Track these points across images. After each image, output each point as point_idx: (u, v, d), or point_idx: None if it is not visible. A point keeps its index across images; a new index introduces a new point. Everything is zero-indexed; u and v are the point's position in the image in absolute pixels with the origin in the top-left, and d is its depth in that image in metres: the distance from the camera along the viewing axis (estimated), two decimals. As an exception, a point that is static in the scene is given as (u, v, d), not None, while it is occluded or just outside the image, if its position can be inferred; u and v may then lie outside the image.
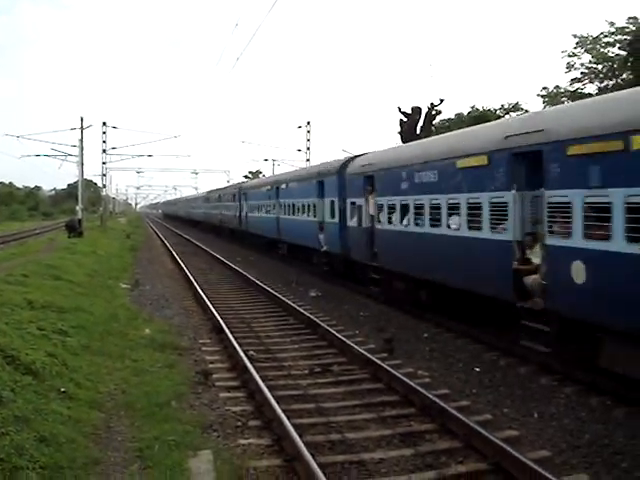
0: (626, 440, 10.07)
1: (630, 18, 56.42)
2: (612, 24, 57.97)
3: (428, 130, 54.76)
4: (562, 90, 62.33)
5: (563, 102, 56.14)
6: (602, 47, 59.55)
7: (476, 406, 11.78)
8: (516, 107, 63.55)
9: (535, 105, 66.96)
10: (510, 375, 13.74)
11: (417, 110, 56.12)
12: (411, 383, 12.16)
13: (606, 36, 58.75)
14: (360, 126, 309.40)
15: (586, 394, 12.20)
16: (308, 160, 62.74)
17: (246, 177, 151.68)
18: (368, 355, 14.30)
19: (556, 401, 12.04)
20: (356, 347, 15.07)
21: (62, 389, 11.07)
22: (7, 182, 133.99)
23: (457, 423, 10.22)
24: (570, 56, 61.31)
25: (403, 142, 50.25)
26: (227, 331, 16.75)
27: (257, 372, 12.90)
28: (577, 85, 61.21)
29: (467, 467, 9.07)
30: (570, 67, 61.48)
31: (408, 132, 54.06)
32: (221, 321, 18.07)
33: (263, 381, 12.29)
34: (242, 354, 14.27)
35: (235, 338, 15.93)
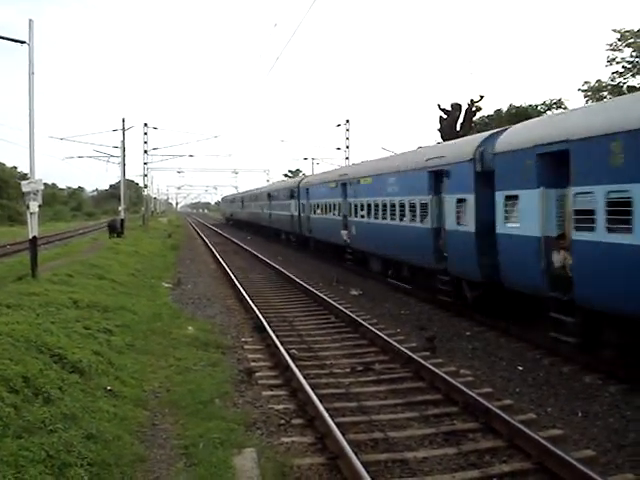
0: (673, 440, 9.94)
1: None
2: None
3: (468, 127, 54.33)
4: (604, 84, 61.36)
5: (605, 96, 55.44)
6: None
7: (519, 405, 11.70)
8: (559, 103, 62.58)
9: (577, 100, 66.10)
10: (554, 373, 13.63)
11: (457, 107, 55.73)
12: (454, 382, 12.12)
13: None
14: (399, 123, 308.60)
15: (631, 393, 12.06)
16: (347, 158, 62.73)
17: (285, 176, 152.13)
18: (410, 353, 14.27)
19: (600, 400, 11.92)
20: (398, 345, 15.05)
21: (108, 387, 11.24)
22: (51, 183, 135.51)
23: (500, 422, 10.17)
24: (612, 50, 60.39)
25: (443, 139, 49.97)
26: (269, 329, 16.84)
27: (299, 370, 12.96)
28: (619, 79, 60.20)
29: (511, 466, 9.02)
30: (611, 61, 60.55)
31: (448, 129, 53.74)
32: (263, 320, 18.16)
33: (305, 379, 12.34)
34: (284, 352, 14.34)
35: (277, 336, 16.01)
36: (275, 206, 55.61)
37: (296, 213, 45.76)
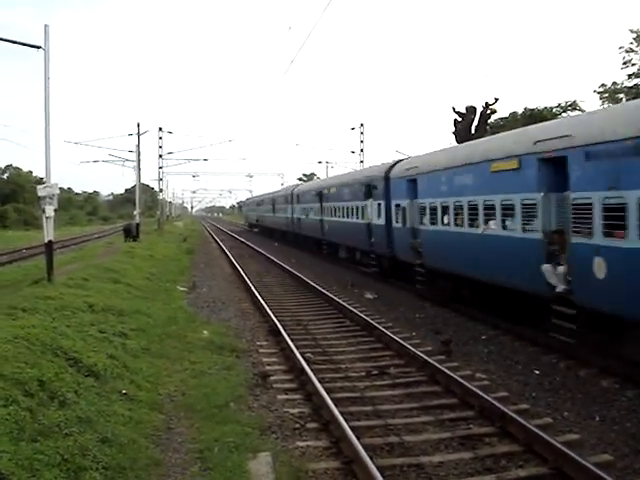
0: (692, 445, 9.85)
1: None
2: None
3: (483, 130, 54.17)
4: (619, 87, 61.07)
5: (621, 99, 55.18)
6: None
7: (536, 409, 11.63)
8: (574, 105, 62.31)
9: (593, 103, 65.80)
10: (570, 378, 13.55)
11: (472, 110, 55.60)
12: (469, 386, 12.07)
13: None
14: (414, 127, 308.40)
15: (649, 397, 11.97)
16: (362, 162, 62.71)
17: (300, 180, 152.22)
18: (425, 357, 14.23)
19: (618, 404, 11.84)
20: (413, 349, 15.00)
21: (123, 391, 11.27)
22: (66, 188, 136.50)
23: (517, 426, 10.11)
24: (627, 52, 60.11)
25: (458, 142, 49.84)
26: (284, 333, 16.83)
27: (314, 374, 12.94)
28: (635, 81, 59.91)
29: (527, 471, 8.97)
30: (627, 63, 60.27)
31: (463, 132, 53.59)
32: (278, 323, 18.16)
33: (320, 383, 12.33)
34: (299, 356, 14.33)
35: (292, 340, 16.00)
36: (331, 210, 39.42)
37: (380, 222, 29.16)
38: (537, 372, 14.02)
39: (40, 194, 21.74)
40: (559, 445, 9.13)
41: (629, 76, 60.51)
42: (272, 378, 13.46)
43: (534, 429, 9.76)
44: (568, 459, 8.76)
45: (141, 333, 15.78)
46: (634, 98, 43.23)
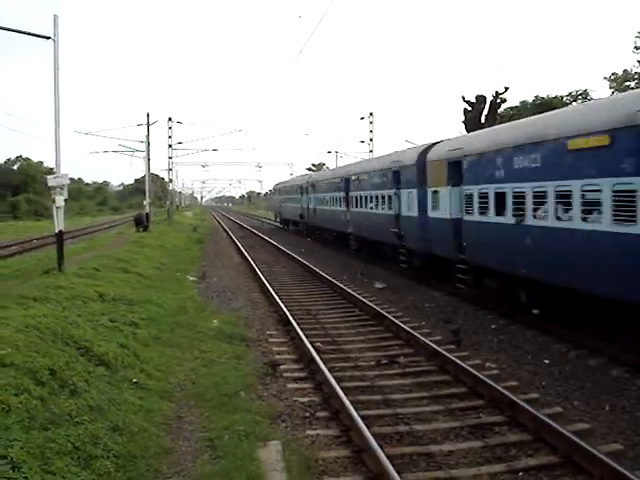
0: (702, 434, 9.83)
1: None
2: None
3: (493, 119, 53.93)
4: (631, 74, 60.68)
5: (631, 86, 54.79)
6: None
7: (546, 398, 11.62)
8: (584, 94, 61.96)
9: (603, 91, 65.44)
10: (580, 367, 13.51)
11: (482, 99, 55.35)
12: (479, 375, 12.06)
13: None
14: (423, 116, 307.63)
15: (660, 386, 11.94)
16: (371, 151, 62.56)
17: (309, 169, 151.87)
18: (435, 346, 14.22)
19: (628, 393, 11.80)
20: (422, 338, 15.00)
21: (134, 380, 11.33)
22: (76, 178, 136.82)
23: (527, 415, 10.10)
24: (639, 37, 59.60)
25: (467, 131, 49.67)
26: (294, 322, 16.85)
27: (324, 363, 12.96)
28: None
29: (537, 460, 8.97)
30: (638, 48, 59.78)
31: (472, 121, 53.40)
32: (287, 313, 18.18)
33: (330, 372, 12.34)
34: (309, 345, 14.35)
35: (302, 329, 16.02)
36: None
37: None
38: (547, 361, 13.99)
39: (50, 184, 21.79)
40: (569, 434, 9.11)
41: (638, 62, 60.09)
42: (282, 367, 13.48)
43: (544, 418, 9.74)
44: (578, 448, 8.75)
45: (151, 322, 15.85)
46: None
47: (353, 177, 36.51)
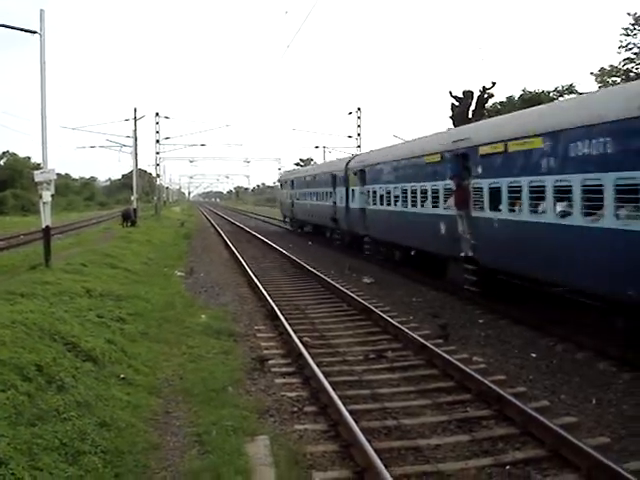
0: (687, 427, 9.90)
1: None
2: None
3: (480, 114, 54.14)
4: (615, 70, 61.06)
5: (616, 82, 55.17)
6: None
7: (533, 392, 11.67)
8: (570, 88, 62.28)
9: (589, 86, 65.75)
10: (567, 361, 13.58)
11: (469, 94, 55.66)
12: (467, 369, 12.09)
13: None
14: (411, 111, 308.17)
15: (645, 380, 12.01)
16: (359, 147, 62.63)
17: (297, 165, 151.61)
18: (423, 341, 14.25)
19: (614, 387, 11.87)
20: (410, 333, 15.03)
21: (121, 375, 11.30)
22: (64, 173, 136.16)
23: (514, 409, 10.14)
24: (625, 35, 60.08)
25: (455, 126, 49.84)
26: (282, 317, 16.85)
27: (312, 358, 12.97)
28: (630, 65, 60.01)
29: (525, 454, 9.00)
30: (624, 47, 60.24)
31: (460, 116, 53.64)
32: (275, 308, 18.17)
33: (318, 367, 12.35)
34: (297, 340, 14.35)
35: (290, 325, 16.02)
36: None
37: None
38: (534, 355, 14.05)
39: (37, 179, 21.72)
40: (556, 428, 9.16)
41: (624, 60, 60.54)
42: (270, 362, 13.48)
43: (531, 412, 9.79)
44: (565, 442, 8.79)
45: (139, 318, 15.80)
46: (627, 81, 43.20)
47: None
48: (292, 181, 53.67)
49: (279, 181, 68.65)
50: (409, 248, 25.56)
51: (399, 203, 25.72)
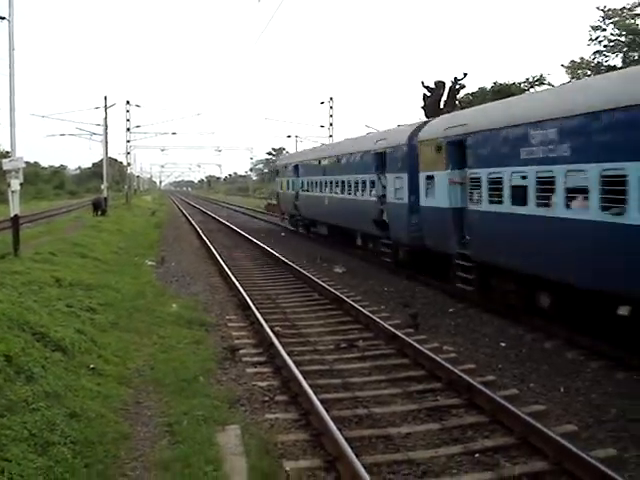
0: (653, 414, 10.04)
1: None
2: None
3: (452, 104, 54.36)
4: (585, 62, 61.87)
5: (587, 74, 55.88)
6: (627, 19, 59.14)
7: (502, 381, 11.78)
8: (541, 79, 62.72)
9: (560, 78, 66.39)
10: (536, 350, 13.72)
11: (441, 85, 55.78)
12: (437, 358, 12.18)
13: (631, 9, 58.38)
14: (383, 101, 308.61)
15: (612, 368, 12.18)
16: (331, 136, 62.61)
17: (269, 154, 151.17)
18: (394, 330, 14.31)
19: (582, 376, 12.02)
20: (381, 322, 15.08)
21: (91, 365, 11.22)
22: (33, 161, 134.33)
23: (483, 398, 10.23)
24: (595, 29, 60.84)
25: (427, 117, 49.99)
26: (253, 307, 16.82)
27: (283, 347, 12.96)
28: (600, 58, 60.93)
29: (494, 442, 9.08)
30: (594, 39, 61.01)
31: (432, 107, 53.73)
32: (247, 297, 18.15)
33: (289, 356, 12.36)
34: (268, 330, 14.34)
35: (261, 314, 16.00)
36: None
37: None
38: (504, 344, 14.17)
39: (5, 168, 21.47)
40: (525, 416, 9.25)
41: (595, 53, 61.38)
42: (241, 352, 13.47)
43: (500, 400, 9.88)
44: (534, 430, 8.88)
45: (109, 307, 15.68)
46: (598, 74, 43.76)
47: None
48: (296, 166, 40.46)
49: (275, 168, 52.74)
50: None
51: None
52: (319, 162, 35.69)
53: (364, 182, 27.26)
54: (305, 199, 38.39)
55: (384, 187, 25.24)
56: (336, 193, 31.54)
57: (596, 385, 11.50)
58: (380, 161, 25.57)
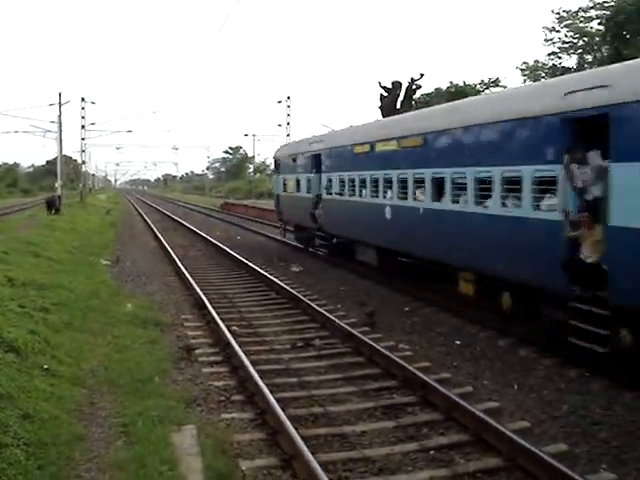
0: (603, 411, 10.25)
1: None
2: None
3: (408, 104, 54.80)
4: (540, 64, 62.92)
5: (542, 77, 56.83)
6: (581, 22, 60.25)
7: (457, 378, 11.90)
8: (496, 82, 63.70)
9: (515, 80, 67.35)
10: (490, 347, 13.88)
11: (397, 85, 56.28)
12: (392, 356, 12.26)
13: (585, 11, 59.46)
14: (341, 100, 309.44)
15: (565, 366, 12.36)
16: (288, 135, 62.67)
17: (226, 152, 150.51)
18: (350, 329, 14.37)
19: (535, 373, 12.18)
20: (338, 321, 15.14)
21: (45, 366, 11.06)
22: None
23: (438, 395, 10.33)
24: (550, 31, 61.90)
25: (384, 116, 50.29)
26: (209, 307, 16.76)
27: (240, 347, 12.94)
28: (555, 60, 62.04)
29: (448, 439, 9.18)
30: (549, 41, 62.06)
31: (388, 107, 54.13)
32: (203, 297, 18.07)
33: (246, 356, 12.34)
34: (225, 329, 14.30)
35: (217, 314, 15.95)
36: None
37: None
38: (458, 342, 14.32)
39: (-45, 165, 21.12)
40: (479, 413, 9.37)
41: (549, 55, 62.44)
42: (197, 351, 13.41)
43: (455, 397, 9.99)
44: (487, 426, 9.00)
45: (63, 308, 15.49)
46: (554, 76, 44.48)
47: None
48: (316, 157, 27.60)
49: (275, 160, 36.58)
50: None
51: None
52: (371, 148, 21.83)
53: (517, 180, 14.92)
54: (332, 206, 26.00)
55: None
56: (409, 201, 18.68)
57: (548, 382, 11.67)
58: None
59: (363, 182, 22.21)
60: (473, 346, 14.03)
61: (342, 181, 24.44)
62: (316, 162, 27.54)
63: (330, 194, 25.78)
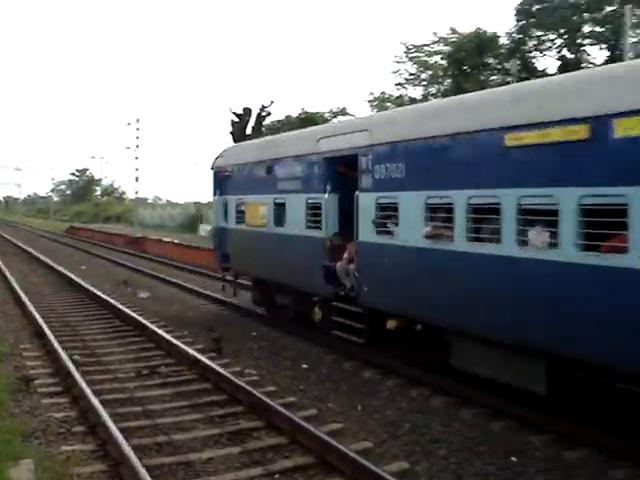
0: (443, 428, 10.65)
1: (452, 29, 60.34)
2: (435, 34, 61.97)
3: (259, 130, 55.48)
4: (387, 95, 65.50)
5: (388, 107, 59.16)
6: (426, 56, 63.26)
7: (302, 402, 12.03)
8: (344, 111, 65.75)
9: (362, 109, 69.70)
10: (336, 370, 14.15)
11: (248, 111, 56.92)
12: (239, 382, 12.26)
13: (428, 45, 62.47)
14: (191, 124, 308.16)
15: (407, 386, 12.79)
16: (137, 158, 61.77)
17: (73, 175, 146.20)
18: (196, 355, 14.26)
19: (379, 394, 12.51)
20: (184, 347, 15.00)
21: None
22: None
23: (283, 419, 10.41)
24: (398, 62, 64.62)
25: (235, 142, 50.60)
26: (50, 335, 16.18)
27: (81, 376, 12.57)
28: (402, 91, 64.79)
29: (293, 462, 9.25)
30: (396, 72, 64.71)
31: (239, 132, 54.59)
32: (43, 325, 17.43)
33: (88, 385, 11.99)
34: (66, 358, 13.85)
35: (59, 342, 15.42)
36: None
37: None
38: (305, 366, 14.51)
39: None
40: (322, 435, 9.53)
41: (397, 85, 65.12)
42: (36, 382, 12.92)
43: (299, 421, 10.12)
44: (331, 448, 9.16)
45: None
46: (400, 106, 46.32)
47: None
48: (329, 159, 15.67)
49: (216, 171, 21.98)
50: None
51: None
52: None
53: None
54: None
55: None
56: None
57: (391, 402, 12.01)
58: None
59: None
60: (319, 369, 14.26)
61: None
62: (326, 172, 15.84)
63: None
